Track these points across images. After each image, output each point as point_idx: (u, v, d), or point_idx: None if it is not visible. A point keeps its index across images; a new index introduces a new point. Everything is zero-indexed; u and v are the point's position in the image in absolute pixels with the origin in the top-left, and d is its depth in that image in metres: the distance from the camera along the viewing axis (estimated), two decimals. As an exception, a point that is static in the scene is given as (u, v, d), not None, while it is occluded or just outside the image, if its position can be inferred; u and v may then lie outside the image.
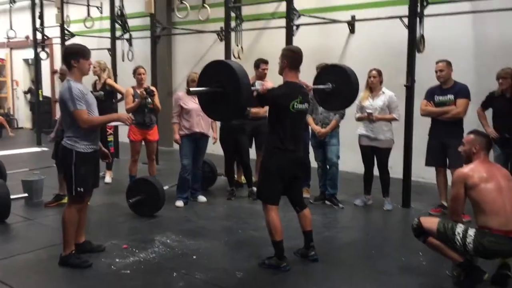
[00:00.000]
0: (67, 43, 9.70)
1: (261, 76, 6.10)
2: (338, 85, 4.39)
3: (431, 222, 3.56)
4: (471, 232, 3.37)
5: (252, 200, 5.89)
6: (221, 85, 3.44)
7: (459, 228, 3.40)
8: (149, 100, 6.00)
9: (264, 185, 3.91)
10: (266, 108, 6.28)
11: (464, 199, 3.45)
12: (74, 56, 3.82)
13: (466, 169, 3.50)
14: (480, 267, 3.48)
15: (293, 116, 3.82)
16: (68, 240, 3.90)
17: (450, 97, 5.22)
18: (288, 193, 4.01)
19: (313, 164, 5.99)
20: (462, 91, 5.20)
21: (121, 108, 7.47)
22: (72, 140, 3.81)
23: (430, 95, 5.40)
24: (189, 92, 3.61)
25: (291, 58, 3.88)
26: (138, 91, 6.02)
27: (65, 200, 5.29)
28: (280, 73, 3.96)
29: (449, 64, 5.25)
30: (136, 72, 6.18)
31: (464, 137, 3.71)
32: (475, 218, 3.49)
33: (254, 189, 5.80)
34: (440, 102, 5.29)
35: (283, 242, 3.86)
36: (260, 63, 6.11)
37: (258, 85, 3.76)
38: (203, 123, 5.67)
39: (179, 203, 5.75)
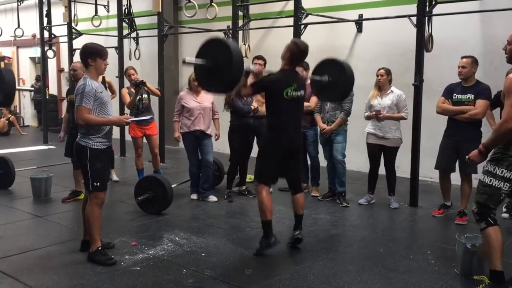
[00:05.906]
0: (75, 41, 9.75)
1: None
2: (334, 78, 4.47)
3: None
4: (499, 170, 3.24)
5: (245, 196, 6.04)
6: (216, 59, 3.56)
7: (491, 180, 3.26)
8: (145, 96, 6.40)
9: (260, 165, 4.12)
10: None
11: None
12: (92, 55, 3.88)
13: None
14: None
15: (289, 103, 3.94)
16: (94, 236, 3.95)
17: (470, 96, 4.92)
18: (285, 174, 4.20)
19: (323, 162, 6.02)
20: (483, 92, 4.89)
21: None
22: (86, 137, 3.88)
23: (448, 92, 5.09)
24: (184, 62, 3.68)
25: (295, 54, 3.99)
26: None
27: (81, 197, 5.37)
28: (282, 59, 4.06)
29: (474, 61, 4.95)
30: (126, 73, 6.65)
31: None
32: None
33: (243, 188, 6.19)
34: (459, 100, 4.98)
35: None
36: (254, 59, 5.98)
37: (252, 67, 3.84)
38: (203, 122, 5.79)
39: (193, 196, 6.01)
